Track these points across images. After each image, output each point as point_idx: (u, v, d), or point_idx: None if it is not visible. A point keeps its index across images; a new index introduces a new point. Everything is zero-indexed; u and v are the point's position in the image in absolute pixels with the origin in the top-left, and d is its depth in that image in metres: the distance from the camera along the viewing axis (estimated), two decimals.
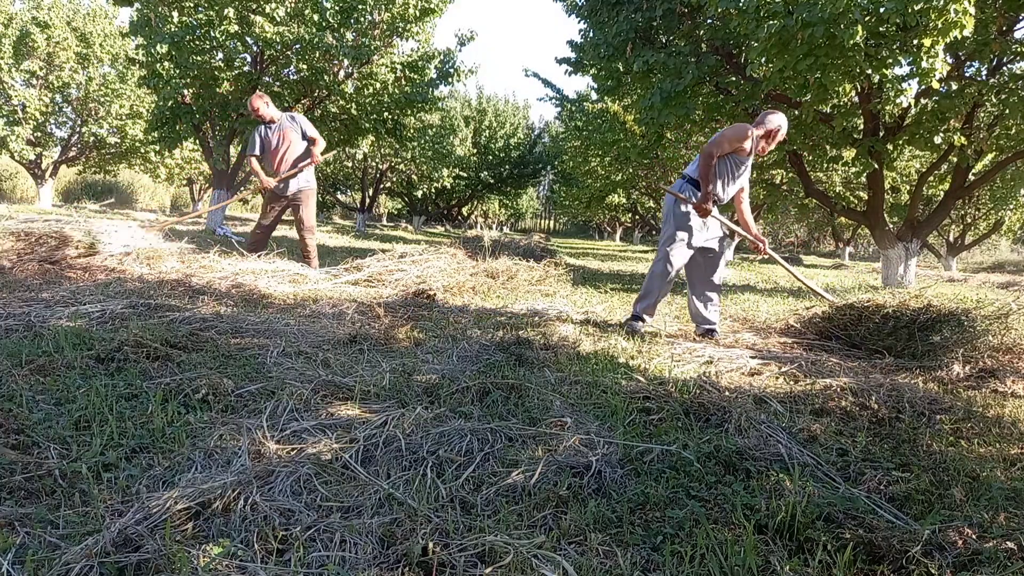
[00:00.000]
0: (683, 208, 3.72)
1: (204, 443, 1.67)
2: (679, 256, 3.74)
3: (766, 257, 3.94)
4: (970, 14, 5.08)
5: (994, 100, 6.89)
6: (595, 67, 8.64)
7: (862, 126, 7.59)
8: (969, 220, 17.81)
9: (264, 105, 5.48)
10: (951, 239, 18.46)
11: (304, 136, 5.53)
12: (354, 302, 4.03)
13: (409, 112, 11.36)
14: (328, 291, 4.52)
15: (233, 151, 11.08)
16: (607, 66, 8.14)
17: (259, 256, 5.38)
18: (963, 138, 6.65)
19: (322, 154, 5.62)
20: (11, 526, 1.24)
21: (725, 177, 3.72)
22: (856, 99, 7.27)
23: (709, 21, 7.40)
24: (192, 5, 9.35)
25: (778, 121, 3.67)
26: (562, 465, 1.63)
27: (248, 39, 9.83)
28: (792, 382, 2.74)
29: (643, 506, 1.46)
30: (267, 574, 1.14)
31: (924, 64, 5.37)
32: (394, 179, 24.04)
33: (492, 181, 27.62)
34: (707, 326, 3.75)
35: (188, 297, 3.74)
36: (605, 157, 17.51)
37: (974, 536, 1.31)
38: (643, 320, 3.81)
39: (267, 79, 10.54)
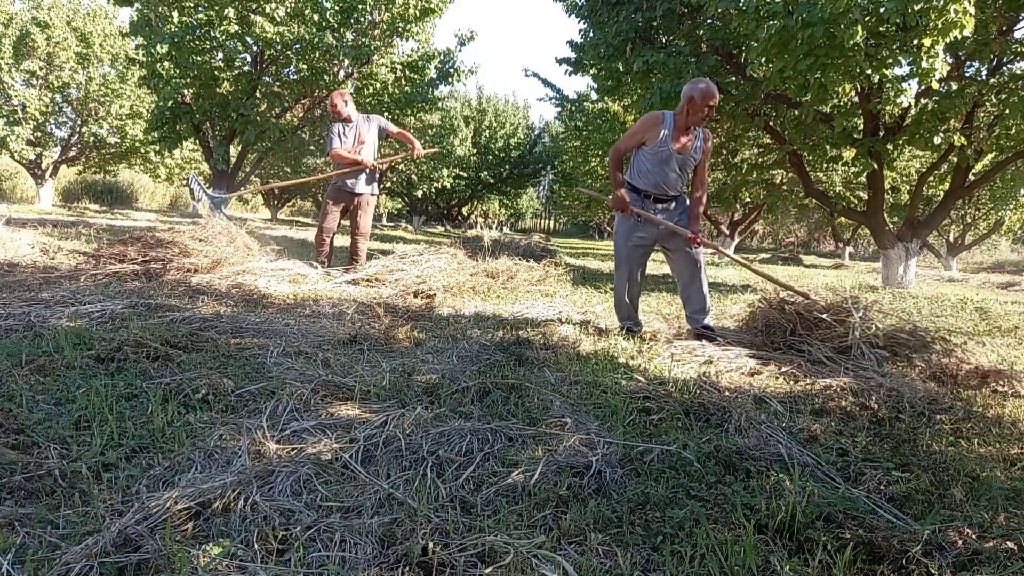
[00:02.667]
0: (617, 215, 3.69)
1: (204, 443, 1.67)
2: (630, 261, 3.68)
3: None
4: (970, 14, 5.08)
5: (994, 100, 6.89)
6: (595, 67, 8.64)
7: (862, 126, 7.60)
8: (969, 220, 17.83)
9: (343, 104, 5.40)
10: (951, 239, 18.47)
11: (383, 135, 5.49)
12: (354, 302, 4.03)
13: (409, 112, 11.36)
14: (328, 291, 4.52)
15: (233, 151, 11.08)
16: (607, 66, 8.14)
17: (327, 265, 5.28)
18: (963, 138, 6.65)
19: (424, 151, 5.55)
20: (11, 526, 1.24)
21: (655, 168, 3.53)
22: (856, 99, 7.27)
23: (709, 21, 7.40)
24: (192, 5, 9.35)
25: (686, 91, 3.42)
26: (562, 465, 1.63)
27: (248, 39, 9.84)
28: (792, 382, 2.74)
29: (643, 506, 1.46)
30: (267, 574, 1.14)
31: (924, 64, 5.37)
32: (394, 179, 24.05)
33: (492, 181, 27.63)
34: (700, 325, 3.64)
35: (188, 297, 3.74)
36: (605, 157, 17.51)
37: (974, 536, 1.31)
38: (631, 330, 3.74)
39: (267, 79, 10.54)
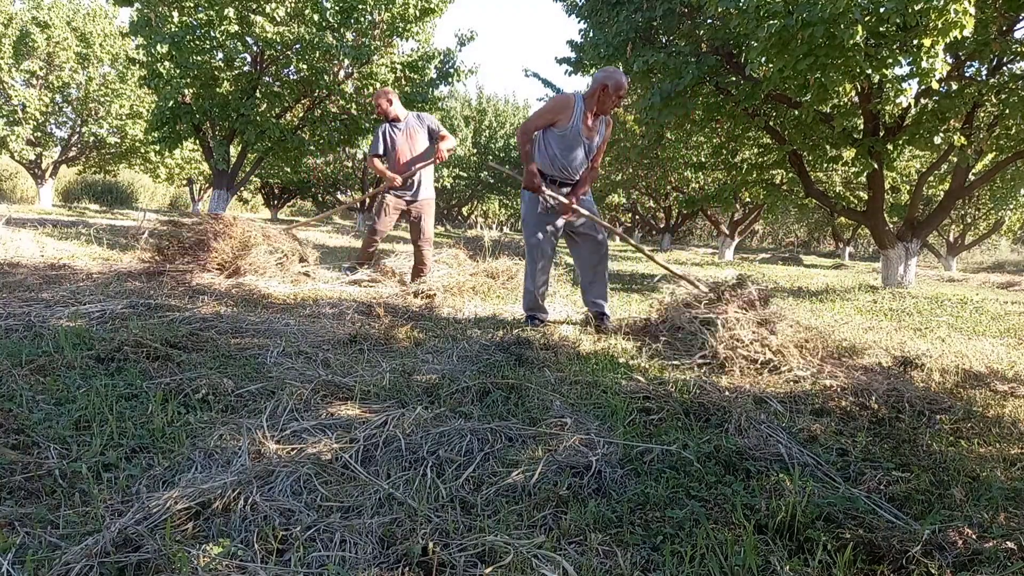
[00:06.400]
0: (526, 197, 3.68)
1: (204, 443, 1.67)
2: (539, 242, 3.69)
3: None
4: (970, 14, 5.08)
5: (994, 100, 6.89)
6: (595, 67, 8.63)
7: (862, 126, 7.59)
8: (969, 220, 17.83)
9: (388, 103, 5.10)
10: (951, 239, 18.47)
11: (431, 136, 5.15)
12: (354, 302, 4.03)
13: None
14: (328, 291, 4.52)
15: (233, 151, 11.08)
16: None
17: (363, 267, 5.09)
18: (963, 138, 6.65)
19: (448, 151, 5.14)
20: (11, 526, 1.24)
21: (562, 152, 3.57)
22: (856, 99, 7.27)
23: (709, 21, 7.40)
24: (192, 5, 9.35)
25: (600, 78, 3.46)
26: (562, 465, 1.63)
27: (248, 39, 9.83)
28: (792, 382, 2.74)
29: (643, 506, 1.46)
30: (267, 574, 1.14)
31: (924, 64, 5.36)
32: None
33: (492, 181, 27.63)
34: (596, 310, 3.78)
35: (188, 297, 3.74)
36: (605, 157, 17.50)
37: (974, 536, 1.31)
38: (536, 319, 3.75)
39: (267, 79, 10.54)
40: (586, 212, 3.72)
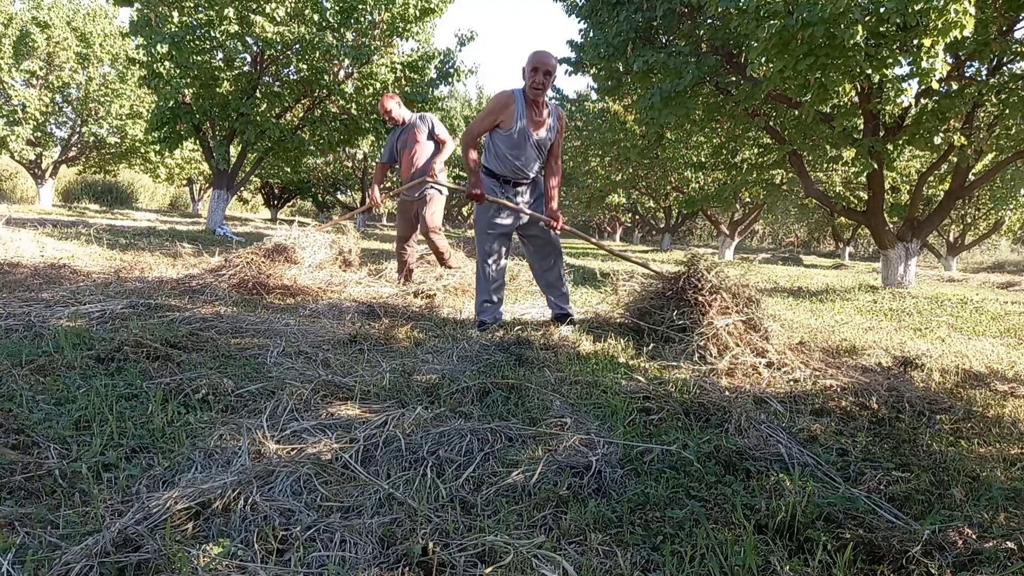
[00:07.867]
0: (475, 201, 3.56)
1: (204, 443, 1.67)
2: (491, 248, 3.57)
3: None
4: (970, 14, 5.09)
5: (994, 100, 6.90)
6: (595, 67, 8.65)
7: (862, 126, 7.60)
8: (969, 220, 17.83)
9: (396, 106, 5.07)
10: (951, 239, 18.47)
11: (431, 135, 5.07)
12: (354, 302, 4.03)
13: None
14: (329, 291, 4.51)
15: (233, 151, 11.08)
16: (607, 66, 8.15)
17: (406, 280, 5.05)
18: (963, 138, 6.66)
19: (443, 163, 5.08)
20: (11, 526, 1.24)
21: (511, 151, 3.42)
22: (856, 99, 7.28)
23: (709, 21, 7.40)
24: (192, 5, 9.36)
25: (528, 59, 3.32)
26: (562, 465, 1.63)
27: (248, 39, 9.84)
28: (792, 382, 2.74)
29: (643, 506, 1.46)
30: (267, 574, 1.14)
31: (924, 64, 5.37)
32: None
33: None
34: (558, 312, 3.72)
35: (188, 297, 3.74)
36: (605, 157, 17.53)
37: (974, 536, 1.31)
38: (485, 323, 3.59)
39: (267, 79, 10.54)
40: (573, 230, 3.77)
